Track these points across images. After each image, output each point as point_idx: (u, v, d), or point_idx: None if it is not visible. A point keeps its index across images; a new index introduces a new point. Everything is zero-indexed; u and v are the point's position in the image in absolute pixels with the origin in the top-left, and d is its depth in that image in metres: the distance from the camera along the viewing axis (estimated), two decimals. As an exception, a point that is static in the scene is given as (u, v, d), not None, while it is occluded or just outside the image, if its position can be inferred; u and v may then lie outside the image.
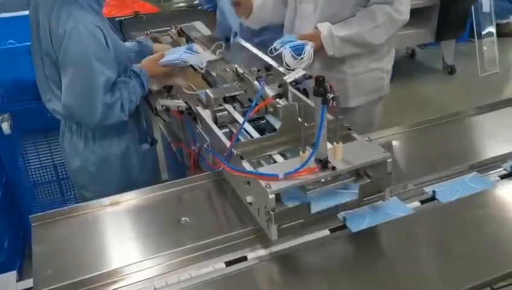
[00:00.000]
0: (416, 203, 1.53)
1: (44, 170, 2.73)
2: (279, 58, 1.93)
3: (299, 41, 1.95)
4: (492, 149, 1.78)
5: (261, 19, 2.29)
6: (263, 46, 2.17)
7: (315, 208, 1.31)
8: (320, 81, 1.20)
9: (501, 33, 5.71)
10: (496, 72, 5.16)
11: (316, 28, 2.08)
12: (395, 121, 2.27)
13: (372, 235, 1.42)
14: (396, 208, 1.47)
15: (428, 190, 1.57)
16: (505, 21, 5.91)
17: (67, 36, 1.72)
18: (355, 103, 2.24)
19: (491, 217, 1.45)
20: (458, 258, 1.31)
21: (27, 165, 2.70)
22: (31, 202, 2.76)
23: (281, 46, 1.92)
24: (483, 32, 5.32)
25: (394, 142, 1.92)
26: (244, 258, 1.35)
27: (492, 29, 5.33)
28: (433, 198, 1.55)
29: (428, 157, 1.78)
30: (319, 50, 2.04)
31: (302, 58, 1.89)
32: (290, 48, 1.90)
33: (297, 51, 1.91)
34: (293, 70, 1.80)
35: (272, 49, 1.94)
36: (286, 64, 1.87)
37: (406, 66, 5.52)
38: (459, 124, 2.02)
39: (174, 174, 2.41)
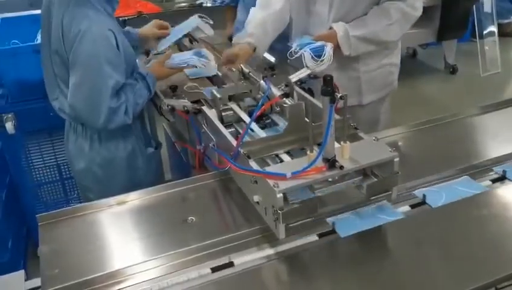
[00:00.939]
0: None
1: (47, 170, 2.73)
2: (297, 61, 1.92)
3: (318, 43, 1.94)
4: (495, 150, 1.78)
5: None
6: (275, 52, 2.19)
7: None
8: (328, 81, 1.20)
9: (503, 33, 5.71)
10: (498, 72, 5.17)
11: (331, 28, 2.07)
12: (397, 121, 2.28)
13: (377, 235, 1.42)
14: (469, 186, 1.57)
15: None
16: (506, 21, 5.91)
17: (80, 37, 1.72)
18: (369, 99, 2.25)
19: (494, 217, 1.45)
20: (462, 259, 1.31)
21: (30, 165, 2.70)
22: (35, 201, 2.76)
23: (300, 49, 1.91)
24: (485, 32, 5.32)
25: (398, 142, 1.91)
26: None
27: (494, 29, 5.33)
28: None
29: (430, 157, 1.79)
30: (335, 50, 2.03)
31: (322, 60, 1.88)
32: (309, 50, 1.89)
33: (317, 53, 1.90)
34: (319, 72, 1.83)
35: (291, 52, 1.93)
36: (307, 66, 1.87)
37: (408, 66, 5.50)
38: (461, 124, 2.02)
39: (178, 174, 2.41)
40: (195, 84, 1.97)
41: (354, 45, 2.05)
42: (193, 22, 2.01)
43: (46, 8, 1.84)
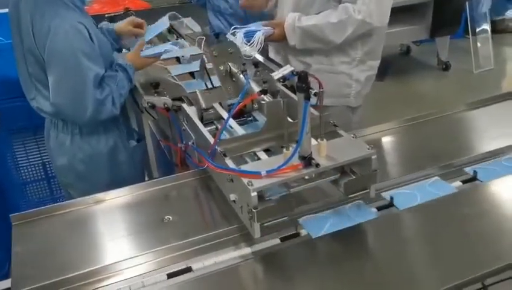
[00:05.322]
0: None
1: (32, 168, 2.71)
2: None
3: (252, 28, 2.01)
4: (487, 145, 1.77)
5: None
6: None
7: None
8: (302, 77, 1.18)
9: (496, 29, 5.70)
10: (491, 69, 5.16)
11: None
12: (389, 117, 2.25)
13: (358, 233, 1.40)
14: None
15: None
16: (499, 17, 5.90)
17: (51, 34, 1.70)
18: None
19: (480, 214, 1.44)
20: (448, 255, 1.29)
21: (16, 163, 2.67)
22: (20, 200, 2.74)
23: (237, 32, 1.97)
24: (478, 29, 5.31)
25: (387, 138, 1.91)
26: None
27: (487, 25, 5.32)
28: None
29: (419, 153, 1.77)
30: (284, 39, 2.08)
31: (251, 44, 1.93)
32: (243, 33, 1.96)
33: (248, 37, 1.96)
34: (249, 56, 1.89)
35: (229, 34, 1.99)
36: (240, 48, 1.92)
37: (401, 63, 5.51)
38: (450, 119, 2.01)
39: (164, 171, 2.39)
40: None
41: (300, 36, 2.06)
42: (165, 22, 2.01)
43: (14, 7, 1.81)
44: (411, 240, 1.39)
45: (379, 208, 1.48)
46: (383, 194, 1.52)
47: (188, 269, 1.30)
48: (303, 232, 1.40)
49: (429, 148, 1.79)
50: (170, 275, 1.29)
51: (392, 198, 1.49)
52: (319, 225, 1.39)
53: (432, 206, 1.48)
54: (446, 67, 5.22)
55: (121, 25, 2.18)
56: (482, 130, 1.96)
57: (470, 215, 1.44)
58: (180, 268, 1.30)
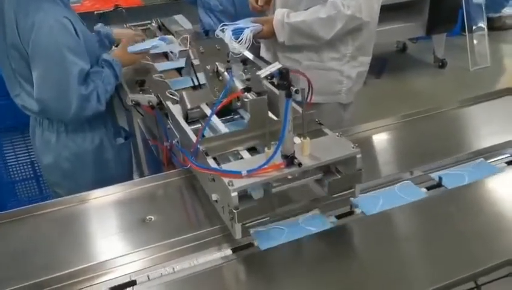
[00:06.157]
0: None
1: (21, 167, 2.69)
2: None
3: (241, 25, 1.98)
4: (482, 141, 1.76)
5: None
6: None
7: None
8: (284, 74, 1.15)
9: (493, 27, 5.66)
10: (487, 66, 5.12)
11: None
12: (385, 114, 2.22)
13: (345, 232, 1.38)
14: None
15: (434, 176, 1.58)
16: (496, 15, 5.86)
17: (36, 28, 1.68)
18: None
19: (474, 212, 1.42)
20: (441, 254, 1.27)
21: (4, 162, 2.65)
22: (9, 199, 2.71)
23: (225, 29, 1.93)
24: (475, 26, 5.27)
25: (382, 135, 1.90)
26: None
27: (483, 23, 5.28)
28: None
29: (414, 150, 1.76)
30: (273, 36, 2.06)
31: (239, 42, 1.90)
32: (231, 31, 1.92)
33: (237, 35, 1.93)
34: (238, 53, 1.86)
35: (217, 32, 1.95)
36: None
37: (397, 60, 5.47)
38: (445, 116, 1.99)
39: (153, 170, 2.37)
40: (161, 74, 1.94)
41: (288, 32, 2.03)
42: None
43: None
44: (403, 239, 1.36)
45: (428, 188, 1.52)
46: (432, 175, 1.57)
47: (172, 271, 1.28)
48: (356, 210, 1.42)
49: (425, 145, 1.77)
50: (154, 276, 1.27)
51: (440, 178, 1.53)
52: (372, 204, 1.44)
53: (428, 205, 1.46)
54: (442, 64, 5.19)
55: (119, 31, 2.21)
56: (480, 127, 1.93)
57: (462, 214, 1.42)
58: (166, 269, 1.28)
